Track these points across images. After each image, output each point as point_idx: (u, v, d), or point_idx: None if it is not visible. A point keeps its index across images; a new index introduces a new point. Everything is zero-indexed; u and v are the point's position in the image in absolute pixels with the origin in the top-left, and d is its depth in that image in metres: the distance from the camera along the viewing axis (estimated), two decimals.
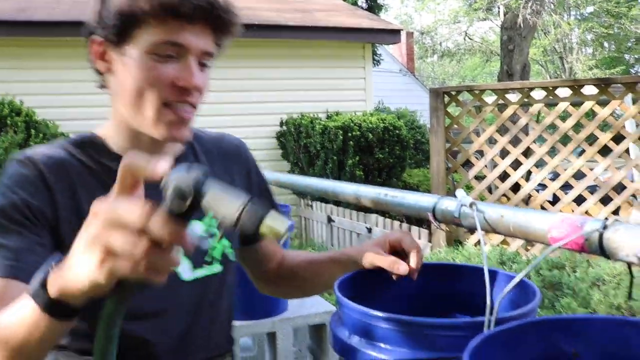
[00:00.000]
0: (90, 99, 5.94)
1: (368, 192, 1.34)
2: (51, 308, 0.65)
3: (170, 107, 0.96)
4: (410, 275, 1.02)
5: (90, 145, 1.02)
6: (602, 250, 0.79)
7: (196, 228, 1.07)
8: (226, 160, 1.18)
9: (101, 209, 0.60)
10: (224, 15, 0.96)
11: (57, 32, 6.09)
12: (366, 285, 1.08)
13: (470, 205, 1.00)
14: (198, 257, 1.06)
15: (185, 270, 1.04)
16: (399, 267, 1.01)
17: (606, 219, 0.82)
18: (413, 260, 1.02)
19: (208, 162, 1.14)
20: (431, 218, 1.10)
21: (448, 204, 1.10)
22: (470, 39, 18.13)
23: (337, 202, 6.07)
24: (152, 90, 0.94)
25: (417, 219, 6.93)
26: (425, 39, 20.39)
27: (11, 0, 7.18)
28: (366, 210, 5.38)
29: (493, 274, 1.01)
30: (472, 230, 1.04)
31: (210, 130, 1.23)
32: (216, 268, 1.09)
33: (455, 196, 1.10)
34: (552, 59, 23.03)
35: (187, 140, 1.06)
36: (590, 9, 18.27)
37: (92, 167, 1.00)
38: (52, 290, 0.64)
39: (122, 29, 0.93)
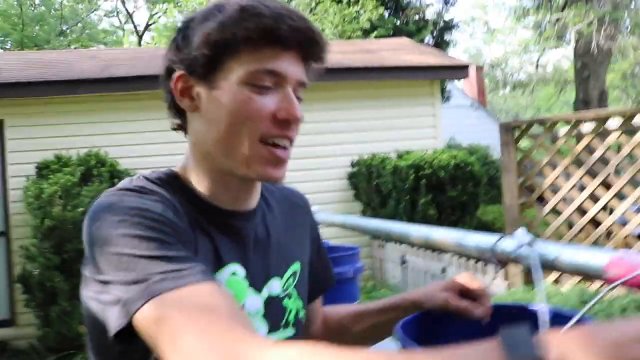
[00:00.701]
0: (166, 148, 6.30)
1: (429, 233, 1.35)
2: None
3: (267, 144, 0.87)
4: (482, 318, 1.00)
5: (178, 188, 0.91)
6: None
7: (274, 286, 0.99)
8: (295, 212, 1.10)
9: None
10: (318, 38, 0.90)
11: (137, 87, 6.45)
12: (429, 327, 1.06)
13: (530, 244, 1.00)
14: (276, 319, 0.98)
15: (262, 334, 0.95)
16: (473, 312, 0.99)
17: None
18: (484, 304, 1.00)
19: (281, 213, 1.06)
20: (489, 259, 1.10)
21: (507, 244, 1.10)
22: (542, 67, 17.74)
23: (411, 243, 6.01)
24: (249, 125, 0.86)
25: None
26: (496, 71, 20.14)
27: (97, 59, 7.73)
28: (440, 250, 5.31)
29: (558, 315, 0.99)
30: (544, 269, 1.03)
31: None
32: (290, 332, 1.00)
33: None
34: (634, 83, 22.13)
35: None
36: None
37: (185, 213, 0.88)
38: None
39: (212, 60, 0.86)
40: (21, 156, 6.25)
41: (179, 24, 0.94)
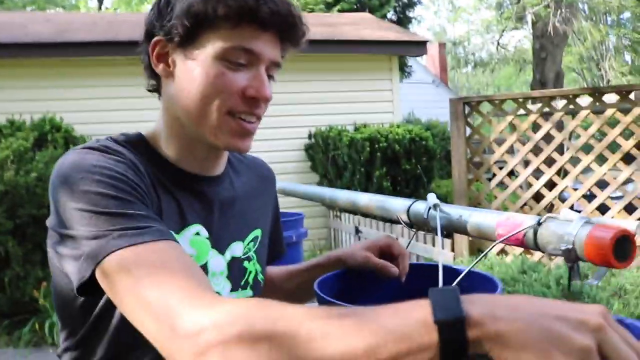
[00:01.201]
0: (125, 115, 6.26)
1: (357, 197, 1.45)
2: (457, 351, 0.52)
3: (234, 116, 0.91)
4: (399, 277, 1.07)
5: (144, 150, 0.96)
6: (536, 245, 0.88)
7: (236, 249, 1.04)
8: (261, 181, 1.16)
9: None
10: (298, 24, 0.92)
11: (95, 52, 6.36)
12: (347, 284, 1.12)
13: (435, 207, 1.10)
14: (237, 279, 1.03)
15: (225, 293, 1.01)
16: (390, 270, 1.05)
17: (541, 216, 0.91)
18: (402, 264, 1.06)
19: (248, 181, 1.12)
20: (401, 221, 1.20)
21: (420, 206, 1.20)
22: (504, 48, 18.03)
23: (365, 214, 6.15)
24: (219, 98, 0.89)
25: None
26: (458, 49, 20.37)
27: (52, 23, 7.56)
28: (392, 221, 5.45)
29: (469, 274, 1.09)
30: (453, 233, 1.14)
31: None
32: (248, 292, 1.05)
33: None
34: (589, 66, 22.69)
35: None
36: (626, 14, 17.96)
37: (148, 173, 0.92)
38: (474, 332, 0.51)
39: (191, 31, 0.88)
40: None
41: None
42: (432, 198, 1.15)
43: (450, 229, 1.10)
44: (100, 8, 22.76)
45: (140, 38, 0.97)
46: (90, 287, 0.77)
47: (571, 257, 0.81)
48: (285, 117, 6.93)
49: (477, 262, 0.92)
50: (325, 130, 6.92)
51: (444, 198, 7.44)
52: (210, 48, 0.88)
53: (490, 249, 0.93)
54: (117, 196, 0.80)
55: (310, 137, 7.07)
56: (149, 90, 1.00)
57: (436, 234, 1.10)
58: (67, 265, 0.80)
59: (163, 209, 0.91)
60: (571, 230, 0.81)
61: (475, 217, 1.02)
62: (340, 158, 6.56)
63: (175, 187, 0.96)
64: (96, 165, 0.82)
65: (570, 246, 0.81)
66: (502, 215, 0.97)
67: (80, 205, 0.78)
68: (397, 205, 1.25)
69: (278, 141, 6.90)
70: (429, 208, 1.13)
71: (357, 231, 6.26)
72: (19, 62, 6.32)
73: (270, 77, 0.94)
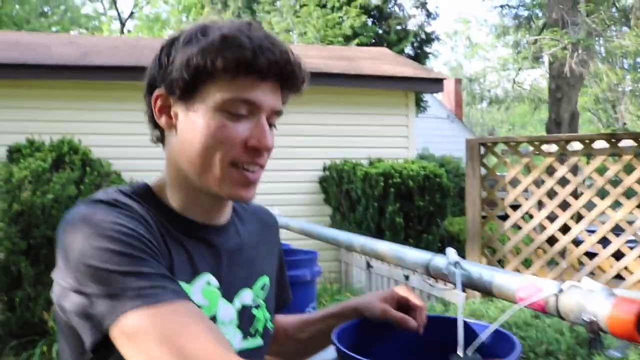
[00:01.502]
0: (141, 139, 6.32)
1: (375, 245, 1.46)
2: None
3: (237, 167, 0.91)
4: (417, 330, 1.06)
5: (151, 201, 0.96)
6: (557, 312, 0.88)
7: (245, 297, 1.04)
8: (266, 229, 1.16)
9: None
10: (297, 72, 0.93)
11: (115, 76, 6.47)
12: (364, 334, 1.11)
13: (456, 264, 1.11)
14: (247, 327, 1.03)
15: (236, 342, 1.01)
16: (409, 324, 1.04)
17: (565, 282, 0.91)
18: (419, 317, 1.06)
19: (253, 228, 1.12)
20: (419, 272, 1.21)
21: (439, 261, 1.20)
22: (519, 86, 18.09)
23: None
24: (221, 150, 0.90)
25: None
26: (474, 85, 20.47)
27: (76, 45, 7.71)
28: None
29: (483, 327, 1.09)
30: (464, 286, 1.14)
31: None
32: (258, 341, 1.05)
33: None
34: (605, 107, 22.69)
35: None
36: None
37: (158, 225, 0.92)
38: None
39: (191, 84, 0.89)
40: None
41: (164, 42, 0.97)
42: (452, 254, 1.15)
43: (470, 287, 1.10)
44: (122, 31, 23.21)
45: (144, 89, 0.97)
46: (102, 346, 0.77)
47: (593, 328, 0.81)
48: (300, 149, 6.97)
49: (497, 324, 0.93)
50: (340, 164, 6.95)
51: (456, 236, 7.42)
52: (210, 100, 0.89)
53: (511, 313, 0.93)
54: (130, 253, 0.79)
55: (324, 169, 7.10)
56: (153, 142, 1.01)
57: (454, 288, 1.11)
58: (77, 322, 0.80)
59: (174, 260, 0.91)
60: (594, 301, 0.82)
61: (496, 278, 1.03)
62: (354, 192, 6.57)
63: (184, 236, 0.96)
64: (107, 221, 0.82)
65: (593, 318, 0.81)
66: (523, 278, 0.98)
67: (92, 262, 0.78)
68: (416, 258, 1.26)
69: (293, 172, 6.93)
70: (449, 265, 1.13)
71: (369, 266, 6.24)
72: (41, 83, 6.44)
73: (271, 125, 0.94)
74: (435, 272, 1.20)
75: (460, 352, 0.94)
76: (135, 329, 0.73)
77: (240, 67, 0.87)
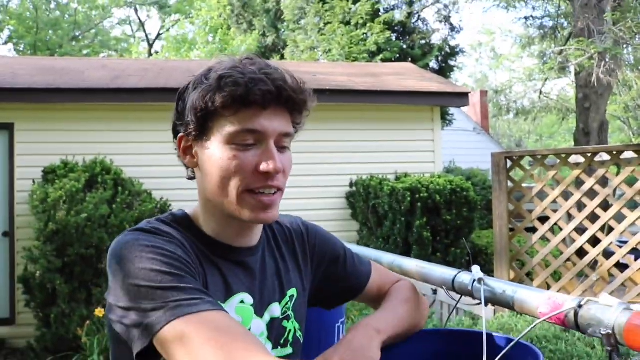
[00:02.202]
0: (170, 159, 6.45)
1: (403, 262, 1.51)
2: None
3: (253, 192, 1.00)
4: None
5: (189, 228, 1.06)
6: (577, 325, 0.92)
7: (274, 310, 1.12)
8: (294, 241, 1.23)
9: None
10: (295, 96, 1.00)
11: (146, 98, 6.63)
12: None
13: (479, 281, 1.16)
14: (277, 338, 1.12)
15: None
16: None
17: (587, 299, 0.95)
18: None
19: (283, 242, 1.20)
20: (444, 289, 1.25)
21: (464, 278, 1.25)
22: (546, 97, 17.91)
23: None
24: (235, 179, 0.99)
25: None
26: (500, 97, 20.33)
27: (107, 69, 7.93)
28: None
29: (508, 341, 1.14)
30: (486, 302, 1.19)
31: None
32: (288, 350, 1.13)
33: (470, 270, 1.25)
34: (635, 115, 22.32)
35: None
36: None
37: (194, 250, 1.02)
38: None
39: (201, 124, 1.00)
40: (29, 159, 6.42)
41: (180, 90, 1.08)
42: (476, 271, 1.20)
43: (493, 303, 1.14)
44: (150, 52, 23.68)
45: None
46: (150, 355, 0.87)
47: (611, 342, 0.85)
48: (327, 165, 7.03)
49: (521, 337, 0.97)
50: (367, 179, 6.98)
51: (484, 249, 7.37)
52: (219, 136, 0.99)
53: (532, 327, 0.97)
54: (170, 272, 0.90)
55: (351, 185, 7.15)
56: (189, 179, 1.12)
57: (479, 304, 1.15)
58: (128, 334, 0.89)
59: (209, 281, 1.01)
60: (611, 316, 0.86)
61: (519, 294, 1.07)
62: (381, 207, 6.60)
63: (219, 259, 1.06)
64: (149, 246, 0.93)
65: (610, 331, 0.85)
66: (544, 294, 1.02)
67: (138, 282, 0.89)
68: (442, 275, 1.30)
69: (319, 188, 6.99)
70: (474, 281, 1.18)
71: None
72: (75, 106, 6.62)
73: (282, 148, 1.03)
74: (460, 289, 1.25)
75: None
76: (180, 334, 0.82)
77: (237, 102, 0.96)
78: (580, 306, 0.92)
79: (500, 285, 1.13)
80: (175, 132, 1.07)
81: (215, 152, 1.00)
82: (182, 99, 1.04)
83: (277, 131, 1.00)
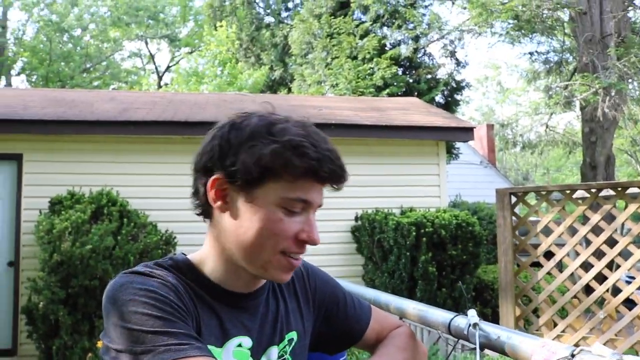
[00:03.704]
0: (176, 191, 6.49)
1: (401, 304, 1.50)
2: None
3: (285, 255, 1.02)
4: None
5: (188, 271, 1.06)
6: None
7: (272, 354, 1.12)
8: (295, 283, 1.23)
9: None
10: (345, 178, 1.03)
11: (153, 130, 6.69)
12: None
13: (474, 326, 1.15)
14: None
15: None
16: None
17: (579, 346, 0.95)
18: None
19: (284, 287, 1.20)
20: (439, 334, 1.25)
21: (461, 322, 1.25)
22: (552, 130, 17.95)
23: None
24: (274, 240, 1.00)
25: (491, 314, 6.79)
26: (507, 130, 20.40)
27: (116, 101, 8.03)
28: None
29: None
30: (481, 347, 1.18)
31: None
32: None
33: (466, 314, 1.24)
34: None
35: None
36: None
37: (190, 294, 1.02)
38: None
39: (257, 179, 0.99)
40: (36, 190, 6.47)
41: (221, 129, 1.05)
42: (472, 315, 1.20)
43: (489, 348, 1.14)
44: (160, 84, 23.99)
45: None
46: None
47: None
48: (332, 199, 6.95)
49: None
50: (372, 213, 6.98)
51: (490, 284, 7.31)
52: (272, 196, 0.99)
53: None
54: (161, 316, 0.91)
55: (357, 219, 7.15)
56: (197, 214, 1.09)
57: (474, 349, 1.15)
58: None
59: (204, 325, 1.02)
60: None
61: (513, 340, 1.06)
62: (386, 241, 6.58)
63: (218, 303, 1.06)
64: (142, 289, 0.94)
65: None
66: (537, 341, 1.01)
67: (130, 325, 0.90)
68: (438, 318, 1.30)
69: (325, 222, 6.94)
70: (469, 326, 1.17)
71: (400, 318, 6.19)
72: (83, 138, 6.70)
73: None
74: (456, 332, 1.24)
75: None
76: None
77: (307, 175, 0.99)
78: (573, 355, 0.92)
79: (495, 330, 1.13)
80: (206, 169, 1.04)
81: (262, 209, 1.00)
82: (231, 141, 1.01)
83: (318, 203, 1.04)
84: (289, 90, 15.77)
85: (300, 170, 0.98)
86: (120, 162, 6.80)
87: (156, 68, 26.26)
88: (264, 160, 0.97)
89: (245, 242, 1.01)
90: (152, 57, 26.49)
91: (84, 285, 5.23)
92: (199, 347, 0.89)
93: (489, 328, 1.14)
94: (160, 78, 25.12)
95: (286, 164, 0.97)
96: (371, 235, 6.81)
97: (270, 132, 1.00)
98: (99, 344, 4.85)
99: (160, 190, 6.68)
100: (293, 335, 1.17)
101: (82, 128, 6.63)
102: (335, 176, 1.01)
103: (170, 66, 25.02)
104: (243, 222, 1.01)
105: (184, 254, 1.11)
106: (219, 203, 1.03)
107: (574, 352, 0.92)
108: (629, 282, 4.55)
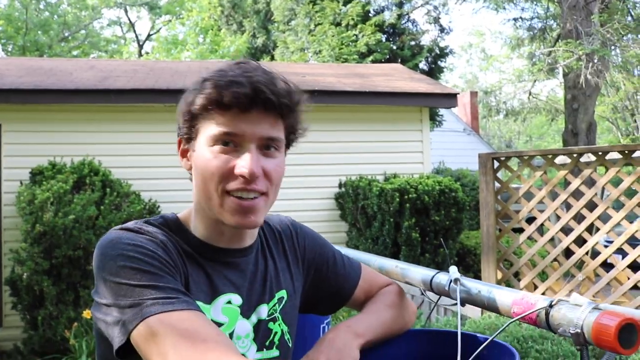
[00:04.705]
0: (159, 160, 6.45)
1: (383, 262, 1.51)
2: None
3: (232, 195, 0.99)
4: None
5: (177, 230, 1.07)
6: (548, 325, 0.93)
7: (262, 311, 1.12)
8: (283, 242, 1.23)
9: None
10: (274, 98, 0.98)
11: (134, 99, 6.60)
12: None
13: (455, 281, 1.16)
14: (263, 340, 1.11)
15: (251, 354, 1.09)
16: None
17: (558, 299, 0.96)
18: None
19: (274, 244, 1.21)
20: (422, 291, 1.26)
21: (442, 278, 1.26)
22: (535, 97, 18.01)
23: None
24: (215, 180, 0.99)
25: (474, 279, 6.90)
26: (490, 97, 20.43)
27: (96, 70, 7.90)
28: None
29: (482, 340, 1.14)
30: (461, 302, 1.19)
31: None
32: (274, 353, 1.12)
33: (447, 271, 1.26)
34: (623, 116, 22.48)
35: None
36: None
37: (179, 251, 1.03)
38: None
39: (188, 127, 1.03)
40: (16, 161, 6.38)
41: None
42: (453, 271, 1.21)
43: (469, 303, 1.15)
44: (140, 53, 23.60)
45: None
46: (129, 351, 0.88)
47: (580, 340, 0.86)
48: (316, 166, 7.04)
49: (494, 336, 0.98)
50: (356, 180, 7.00)
51: (473, 250, 7.40)
52: (202, 138, 1.01)
53: (506, 326, 0.98)
54: (149, 271, 0.92)
55: (340, 186, 7.16)
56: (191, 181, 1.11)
57: (456, 304, 1.16)
58: (108, 331, 0.91)
59: (192, 282, 1.02)
60: (580, 315, 0.87)
61: (493, 294, 1.08)
62: (370, 208, 6.61)
63: (206, 260, 1.06)
64: (130, 244, 0.95)
65: (579, 330, 0.86)
66: (517, 294, 1.03)
67: (118, 279, 0.91)
68: (420, 275, 1.31)
69: (308, 189, 7.00)
70: (450, 282, 1.19)
71: None
72: (63, 107, 6.59)
73: (269, 152, 1.02)
74: (438, 289, 1.26)
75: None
76: (153, 332, 0.85)
77: (214, 104, 0.98)
78: (551, 306, 0.94)
79: (476, 285, 1.14)
80: (178, 135, 1.09)
81: (199, 153, 1.01)
82: (179, 104, 1.06)
83: (257, 135, 0.99)
84: (272, 58, 15.60)
85: (206, 104, 0.98)
86: (102, 131, 6.72)
87: (136, 36, 25.81)
88: (182, 106, 1.02)
89: (198, 189, 1.03)
90: (132, 25, 25.99)
91: (68, 256, 5.20)
92: (186, 301, 0.89)
93: (470, 283, 1.15)
94: (140, 47, 24.70)
95: (194, 103, 0.99)
96: (355, 202, 6.83)
97: (195, 83, 1.03)
98: (85, 313, 4.86)
99: (143, 159, 6.62)
100: (283, 293, 1.17)
101: (61, 97, 6.52)
102: (253, 98, 0.97)
103: (151, 34, 24.60)
104: (195, 170, 1.03)
105: (175, 214, 1.12)
106: (184, 162, 1.08)
107: (552, 303, 0.94)
108: (606, 246, 4.63)
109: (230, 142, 0.99)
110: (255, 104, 0.97)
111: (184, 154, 1.07)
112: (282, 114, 1.01)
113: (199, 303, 0.99)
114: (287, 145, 1.11)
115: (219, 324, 1.02)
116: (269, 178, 1.01)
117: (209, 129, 0.99)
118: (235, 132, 0.98)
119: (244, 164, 0.98)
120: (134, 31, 25.98)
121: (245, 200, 0.99)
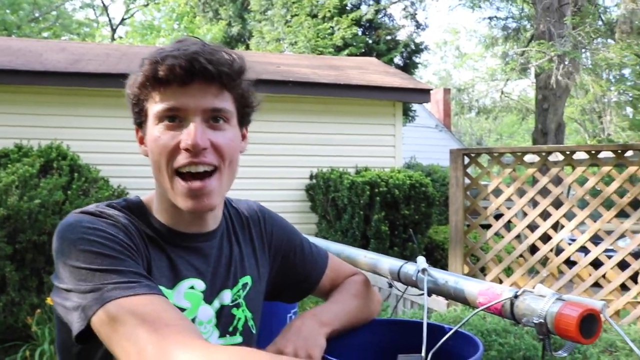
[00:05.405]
0: (129, 146, 6.36)
1: (351, 252, 1.52)
2: None
3: (182, 176, 0.97)
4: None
5: (140, 213, 1.05)
6: (512, 315, 0.95)
7: (225, 297, 1.10)
8: (250, 228, 1.21)
9: None
10: (211, 68, 0.95)
11: (104, 83, 6.49)
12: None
13: (423, 271, 1.17)
14: (225, 326, 1.09)
15: (213, 339, 1.07)
16: None
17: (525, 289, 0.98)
18: None
19: (240, 228, 1.19)
20: (390, 281, 1.27)
21: (410, 268, 1.27)
22: (507, 96, 18.25)
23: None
24: (164, 159, 0.97)
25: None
26: (463, 95, 20.63)
27: (67, 52, 7.74)
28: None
29: (446, 330, 1.16)
30: (428, 292, 1.21)
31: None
32: (237, 339, 1.11)
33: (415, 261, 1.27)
34: (591, 118, 22.95)
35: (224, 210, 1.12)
36: (627, 70, 18.26)
37: (141, 235, 1.01)
38: None
39: (136, 111, 1.01)
40: None
41: None
42: (421, 262, 1.22)
43: (436, 293, 1.16)
44: (113, 38, 23.19)
45: None
46: (88, 337, 0.86)
47: (542, 330, 0.87)
48: (287, 157, 7.03)
49: (460, 325, 0.99)
50: (327, 172, 7.01)
51: (441, 244, 7.48)
52: (150, 120, 0.99)
53: (471, 316, 0.99)
54: (110, 255, 0.89)
55: (311, 177, 7.16)
56: None
57: (422, 294, 1.17)
58: (68, 316, 0.89)
59: (154, 266, 1.00)
60: (543, 305, 0.88)
61: (460, 285, 1.09)
62: (340, 200, 6.63)
63: (169, 245, 1.04)
64: (91, 227, 0.93)
65: (542, 320, 0.87)
66: (483, 284, 1.04)
67: (78, 264, 0.88)
68: (388, 265, 1.32)
69: (279, 180, 6.99)
70: (418, 271, 1.19)
71: None
72: (31, 89, 6.46)
73: (217, 124, 0.99)
74: (405, 279, 1.27)
75: (423, 354, 1.00)
76: (114, 316, 0.82)
77: (150, 80, 0.96)
78: (516, 296, 0.95)
79: (443, 275, 1.15)
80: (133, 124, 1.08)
81: (149, 134, 1.00)
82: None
83: (201, 107, 0.96)
84: (247, 47, 15.49)
85: (143, 82, 0.97)
86: (71, 115, 6.60)
87: (110, 20, 25.34)
88: (128, 91, 1.00)
89: (154, 173, 1.01)
90: (105, 8, 25.51)
91: (33, 241, 5.10)
92: (148, 285, 0.88)
93: (437, 274, 1.16)
94: (114, 31, 24.26)
95: (134, 85, 0.98)
96: (325, 194, 6.84)
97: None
98: (49, 300, 4.77)
99: (112, 144, 6.53)
100: (247, 279, 1.15)
101: (31, 79, 6.39)
102: (187, 71, 0.94)
103: (125, 19, 24.18)
104: (150, 155, 1.02)
105: (139, 197, 1.10)
106: (141, 148, 1.06)
107: (517, 293, 0.95)
108: (570, 243, 4.72)
109: (175, 118, 0.97)
110: (194, 75, 0.95)
111: (141, 141, 1.05)
112: (224, 83, 0.98)
113: (161, 288, 0.97)
114: (243, 119, 1.07)
115: (182, 309, 1.00)
116: (219, 151, 0.99)
117: (153, 108, 0.98)
118: (177, 106, 0.96)
119: (186, 137, 0.95)
120: (107, 15, 25.54)
121: (195, 180, 0.97)
